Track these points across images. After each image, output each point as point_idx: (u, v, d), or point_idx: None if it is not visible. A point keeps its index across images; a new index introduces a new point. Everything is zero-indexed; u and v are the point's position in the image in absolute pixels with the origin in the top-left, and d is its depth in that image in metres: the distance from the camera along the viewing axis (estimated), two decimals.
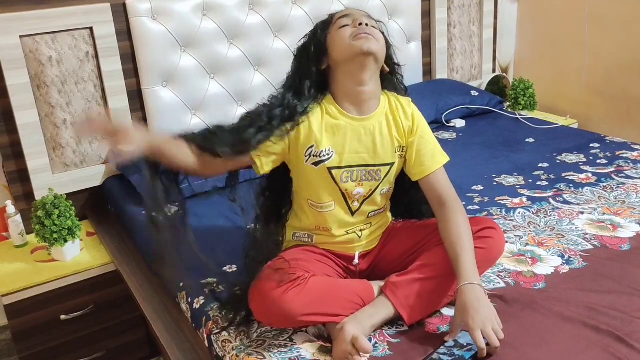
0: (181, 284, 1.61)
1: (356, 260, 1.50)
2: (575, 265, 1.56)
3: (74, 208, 1.99)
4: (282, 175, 1.52)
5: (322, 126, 1.43)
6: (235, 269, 1.65)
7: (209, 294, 1.53)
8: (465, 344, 1.24)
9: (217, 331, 1.40)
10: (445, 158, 1.50)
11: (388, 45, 1.48)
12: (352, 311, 1.33)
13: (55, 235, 1.93)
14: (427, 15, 2.98)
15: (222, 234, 1.83)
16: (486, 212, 1.88)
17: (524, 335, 1.29)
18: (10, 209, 2.07)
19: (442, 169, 1.48)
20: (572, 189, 2.02)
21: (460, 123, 2.77)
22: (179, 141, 1.40)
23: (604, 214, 1.83)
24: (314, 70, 1.44)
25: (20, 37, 2.02)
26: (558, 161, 2.27)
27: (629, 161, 2.21)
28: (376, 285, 1.40)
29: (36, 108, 2.09)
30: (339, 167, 1.43)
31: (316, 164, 1.43)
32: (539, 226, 1.78)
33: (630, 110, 2.92)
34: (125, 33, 2.21)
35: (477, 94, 2.90)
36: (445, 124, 2.76)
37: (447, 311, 1.40)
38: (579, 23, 3.02)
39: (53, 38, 2.08)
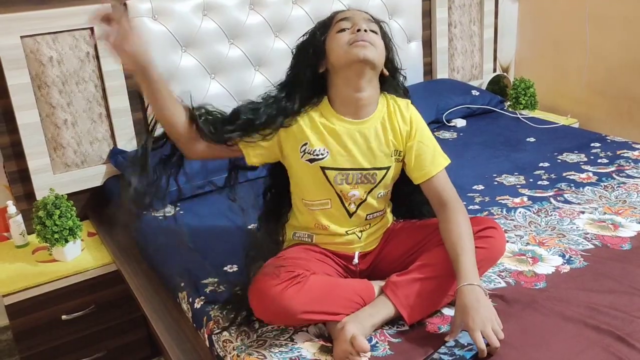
0: (182, 284, 1.62)
1: (356, 260, 1.50)
2: (576, 265, 1.56)
3: (75, 208, 1.99)
4: (283, 175, 1.53)
5: (316, 128, 1.42)
6: (236, 268, 1.65)
7: (209, 294, 1.53)
8: (465, 344, 1.24)
9: (218, 331, 1.40)
10: (446, 160, 1.49)
11: (389, 48, 1.47)
12: (352, 310, 1.33)
13: (56, 236, 1.93)
14: (427, 14, 2.98)
15: (222, 234, 1.83)
16: (487, 212, 1.88)
17: (524, 334, 1.29)
18: (11, 209, 2.07)
19: (443, 171, 1.47)
20: (573, 188, 2.02)
21: (461, 123, 2.77)
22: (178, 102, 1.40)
23: (605, 213, 1.82)
24: (310, 73, 1.43)
25: (21, 37, 2.02)
26: (559, 161, 2.27)
27: (630, 160, 2.20)
28: (377, 284, 1.40)
29: (37, 108, 2.10)
30: (332, 168, 1.42)
31: (310, 161, 1.43)
32: (540, 226, 1.78)
33: (631, 110, 2.92)
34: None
35: (477, 93, 2.90)
36: (446, 123, 2.76)
37: (448, 311, 1.40)
38: (580, 22, 3.02)
39: (54, 38, 2.09)
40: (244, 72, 2.45)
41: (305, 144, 1.42)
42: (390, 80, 1.50)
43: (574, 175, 2.12)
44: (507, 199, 1.96)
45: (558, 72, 3.22)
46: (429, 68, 3.08)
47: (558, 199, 1.94)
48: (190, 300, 1.55)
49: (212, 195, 2.03)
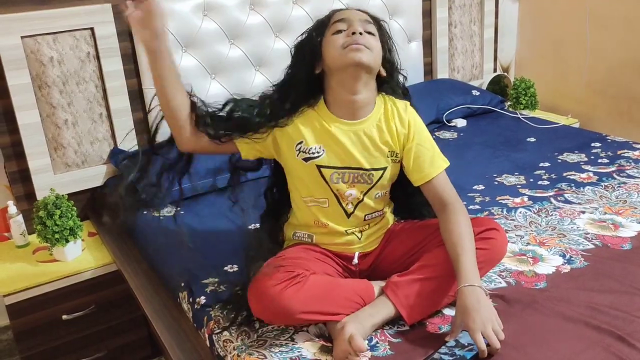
0: (182, 284, 1.62)
1: (355, 261, 1.49)
2: (577, 265, 1.56)
3: (75, 208, 2.00)
4: (283, 174, 1.53)
5: (312, 127, 1.43)
6: (237, 268, 1.65)
7: (210, 294, 1.53)
8: (466, 344, 1.24)
9: (218, 331, 1.40)
10: (445, 163, 1.48)
11: (388, 48, 1.46)
12: (352, 310, 1.33)
13: (56, 236, 1.93)
14: (427, 14, 2.98)
15: (223, 234, 1.84)
16: (487, 212, 1.88)
17: (525, 334, 1.29)
18: (12, 209, 2.07)
19: (443, 173, 1.46)
20: (574, 188, 2.02)
21: (461, 122, 2.77)
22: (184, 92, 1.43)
23: (606, 213, 1.82)
24: (306, 74, 1.43)
25: (22, 37, 2.02)
26: (559, 160, 2.27)
27: (631, 160, 2.20)
28: (377, 285, 1.40)
29: (37, 108, 2.10)
30: (328, 167, 1.42)
31: (306, 159, 1.43)
32: (540, 226, 1.78)
33: (631, 110, 2.92)
34: (126, 33, 2.22)
35: (478, 93, 2.90)
36: (446, 123, 2.76)
37: (448, 311, 1.40)
38: (580, 22, 3.02)
39: (54, 38, 2.09)
40: (244, 72, 2.45)
41: (301, 142, 1.43)
42: (388, 80, 1.49)
43: (575, 175, 2.12)
44: (508, 199, 1.96)
45: (558, 72, 3.22)
46: (429, 68, 3.08)
47: (558, 198, 1.94)
48: (191, 300, 1.55)
49: (213, 195, 2.02)
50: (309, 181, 1.45)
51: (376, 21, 1.47)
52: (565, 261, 1.58)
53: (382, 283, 1.40)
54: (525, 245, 1.67)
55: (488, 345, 1.21)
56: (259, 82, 2.47)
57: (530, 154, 2.35)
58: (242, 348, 1.33)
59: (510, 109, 2.99)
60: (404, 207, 1.63)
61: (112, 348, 2.08)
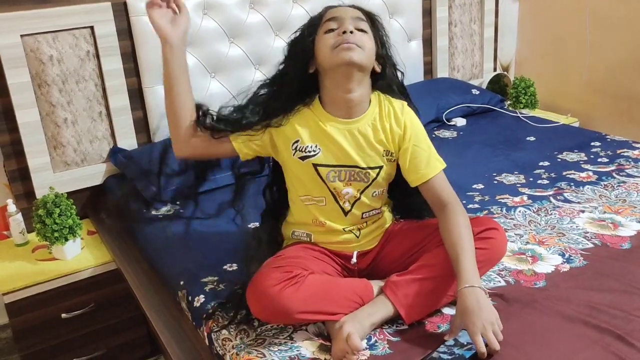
0: (181, 283, 1.62)
1: (354, 260, 1.49)
2: (576, 264, 1.56)
3: (74, 207, 2.00)
4: (282, 173, 1.53)
5: (308, 125, 1.43)
6: (236, 267, 1.65)
7: (209, 293, 1.53)
8: (465, 343, 1.24)
9: (217, 329, 1.40)
10: (441, 164, 1.47)
11: (382, 43, 1.45)
12: (351, 310, 1.33)
13: (56, 234, 1.93)
14: (428, 13, 2.98)
15: (222, 233, 1.84)
16: (487, 211, 1.88)
17: (524, 333, 1.29)
18: (11, 207, 2.07)
19: (441, 173, 1.46)
20: (573, 187, 2.02)
21: (461, 122, 2.77)
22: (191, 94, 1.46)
23: (605, 212, 1.82)
24: (300, 73, 1.43)
25: (21, 36, 2.02)
26: (559, 160, 2.27)
27: (630, 159, 2.20)
28: (376, 284, 1.40)
29: (37, 107, 2.10)
30: (324, 165, 1.42)
31: (302, 158, 1.43)
32: (540, 225, 1.78)
33: (631, 109, 2.92)
34: (126, 32, 2.22)
35: (478, 92, 2.90)
36: (446, 122, 2.76)
37: (448, 310, 1.40)
38: (580, 21, 3.02)
39: (54, 37, 2.09)
40: (244, 71, 2.45)
41: (297, 141, 1.43)
42: (383, 76, 1.48)
43: (574, 174, 2.12)
44: (507, 198, 1.96)
45: (558, 71, 3.22)
46: (429, 67, 3.08)
47: (558, 198, 1.94)
48: (190, 298, 1.55)
49: (212, 193, 2.03)
50: (305, 180, 1.45)
51: (369, 17, 1.46)
52: (565, 260, 1.58)
53: (381, 282, 1.40)
54: (525, 244, 1.67)
55: (487, 346, 1.21)
56: (258, 80, 2.45)
57: (529, 153, 2.35)
58: (241, 347, 1.33)
59: (510, 108, 2.99)
60: (403, 207, 1.62)
61: (111, 346, 2.09)
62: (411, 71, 2.93)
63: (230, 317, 1.40)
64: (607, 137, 2.46)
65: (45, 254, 2.05)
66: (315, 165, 1.42)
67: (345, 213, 1.47)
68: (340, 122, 1.43)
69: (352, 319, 1.29)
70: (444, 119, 2.76)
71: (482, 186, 2.08)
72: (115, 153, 2.25)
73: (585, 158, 2.26)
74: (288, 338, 1.34)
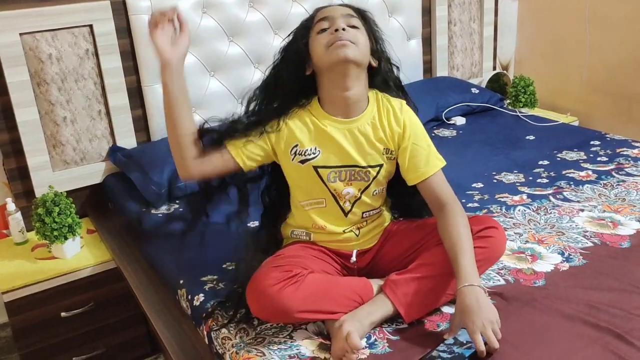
0: (181, 282, 1.62)
1: (353, 258, 1.49)
2: (575, 263, 1.56)
3: (74, 205, 1.99)
4: (280, 173, 1.52)
5: (307, 128, 1.42)
6: (235, 266, 1.64)
7: (208, 291, 1.53)
8: (464, 342, 1.24)
9: (217, 328, 1.40)
10: (441, 162, 1.47)
11: (376, 38, 1.45)
12: (351, 309, 1.33)
13: (55, 233, 1.93)
14: (427, 12, 2.98)
15: (222, 232, 1.83)
16: (486, 210, 1.88)
17: (523, 332, 1.29)
18: (11, 206, 2.07)
19: (439, 172, 1.46)
20: (572, 186, 2.02)
21: (460, 120, 2.77)
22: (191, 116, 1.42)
23: (604, 211, 1.82)
24: (296, 77, 1.43)
25: (20, 34, 2.01)
26: (558, 159, 2.27)
27: (630, 159, 2.20)
28: (375, 283, 1.40)
29: (36, 105, 2.09)
30: (325, 167, 1.42)
31: (302, 162, 1.43)
32: (539, 224, 1.78)
33: (631, 108, 2.92)
34: (125, 30, 2.21)
35: (477, 91, 2.90)
36: (446, 121, 2.76)
37: (447, 309, 1.40)
38: (580, 21, 3.02)
39: (53, 35, 2.08)
40: (243, 70, 2.45)
41: (296, 145, 1.42)
42: (380, 72, 1.48)
43: (574, 173, 2.12)
44: (507, 197, 1.96)
45: (558, 70, 3.22)
46: (428, 66, 3.08)
47: (557, 196, 1.94)
48: (190, 297, 1.55)
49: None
50: (306, 183, 1.45)
51: (359, 13, 1.45)
52: (564, 259, 1.58)
53: (381, 281, 1.40)
54: (524, 243, 1.67)
55: (486, 344, 1.21)
56: (258, 79, 2.44)
57: (529, 152, 2.35)
58: (240, 345, 1.33)
59: (510, 107, 2.99)
60: (403, 206, 1.62)
61: (110, 345, 2.09)
62: (411, 70, 2.94)
63: (230, 316, 1.41)
64: (607, 136, 2.46)
65: (45, 253, 2.05)
66: (315, 168, 1.42)
67: (346, 214, 1.47)
68: (340, 122, 1.43)
69: (351, 317, 1.30)
70: (444, 117, 2.76)
71: (482, 185, 2.08)
72: (115, 152, 2.25)
73: (585, 157, 2.26)
74: (288, 337, 1.34)
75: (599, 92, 3.03)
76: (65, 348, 2.01)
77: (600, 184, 2.01)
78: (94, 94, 2.21)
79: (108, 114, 2.25)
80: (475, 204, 1.92)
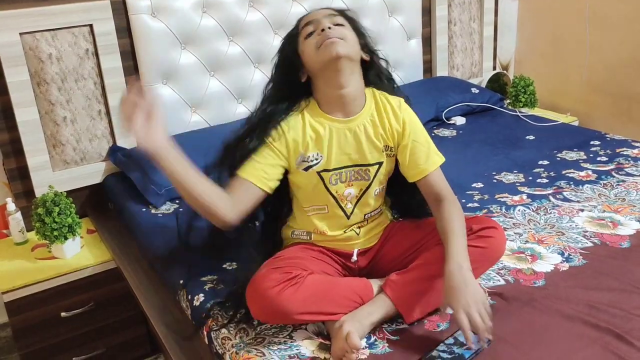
0: (181, 282, 1.62)
1: (354, 258, 1.50)
2: (575, 263, 1.56)
3: (74, 205, 1.99)
4: (283, 177, 1.52)
5: (306, 133, 1.42)
6: (235, 266, 1.65)
7: (208, 292, 1.53)
8: (465, 342, 1.24)
9: (216, 328, 1.40)
10: (440, 159, 1.48)
11: (361, 34, 1.46)
12: (351, 309, 1.33)
13: (55, 233, 1.93)
14: (427, 12, 2.97)
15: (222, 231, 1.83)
16: (486, 210, 1.88)
17: (523, 332, 1.29)
18: (11, 206, 2.07)
19: (438, 169, 1.47)
20: (572, 186, 2.02)
21: (460, 120, 2.76)
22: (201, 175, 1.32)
23: (604, 211, 1.82)
24: (293, 86, 1.44)
25: (20, 34, 2.01)
26: (558, 158, 2.27)
27: (630, 159, 2.20)
28: (375, 283, 1.40)
29: (36, 105, 2.09)
30: (327, 170, 1.43)
31: (306, 169, 1.43)
32: (539, 224, 1.78)
33: (630, 108, 2.92)
34: (125, 30, 2.21)
35: (477, 91, 2.90)
36: (446, 121, 2.76)
37: (448, 309, 1.39)
38: (580, 20, 3.02)
39: (53, 35, 2.08)
40: (243, 70, 2.45)
41: (299, 153, 1.42)
42: (373, 66, 1.49)
43: (574, 173, 2.12)
44: (507, 197, 1.96)
45: (558, 70, 3.22)
46: (428, 66, 3.08)
47: (557, 196, 1.94)
48: (190, 297, 1.55)
49: None
50: (309, 189, 1.45)
51: (341, 12, 1.47)
52: (564, 259, 1.58)
53: (381, 281, 1.40)
54: (524, 243, 1.67)
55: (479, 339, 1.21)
56: (258, 79, 2.47)
57: (529, 152, 2.35)
58: (240, 345, 1.33)
59: (510, 107, 2.98)
60: (402, 206, 1.63)
61: (110, 345, 2.09)
62: (410, 70, 2.94)
63: (230, 316, 1.41)
64: (607, 136, 2.46)
65: (45, 253, 2.05)
66: (319, 173, 1.43)
67: (348, 216, 1.47)
68: (340, 121, 1.43)
69: (351, 318, 1.30)
70: (444, 117, 2.76)
71: (482, 185, 2.08)
72: (115, 152, 2.25)
73: (585, 157, 2.26)
74: (288, 337, 1.34)
75: (599, 92, 3.03)
76: (65, 348, 2.01)
77: (600, 184, 2.01)
78: (94, 93, 2.21)
79: (108, 113, 2.25)
80: (475, 204, 1.92)
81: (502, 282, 1.49)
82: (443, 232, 1.36)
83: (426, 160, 1.46)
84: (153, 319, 1.66)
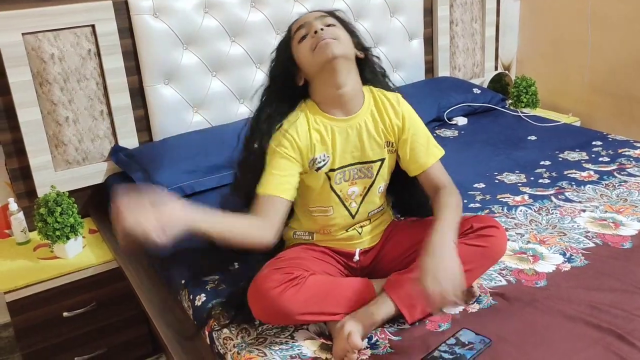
0: (183, 282, 1.62)
1: (356, 257, 1.50)
2: (577, 263, 1.56)
3: (76, 205, 2.00)
4: None
5: (312, 136, 1.42)
6: (237, 266, 1.65)
7: (210, 292, 1.53)
8: (466, 342, 1.24)
9: (218, 328, 1.40)
10: (440, 151, 1.51)
11: (352, 32, 1.47)
12: (352, 309, 1.33)
13: (57, 233, 1.93)
14: (429, 12, 2.98)
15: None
16: (488, 210, 1.88)
17: (525, 333, 1.29)
18: (13, 206, 2.08)
19: (437, 161, 1.49)
20: (574, 186, 2.01)
21: (462, 121, 2.76)
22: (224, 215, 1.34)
23: (606, 211, 1.82)
24: (291, 93, 1.45)
25: (23, 34, 2.02)
26: (560, 159, 2.27)
27: (631, 159, 2.20)
28: (377, 283, 1.40)
29: (38, 105, 2.10)
30: (333, 170, 1.44)
31: (317, 169, 1.44)
32: (541, 224, 1.78)
33: (632, 109, 2.92)
34: (127, 31, 2.22)
35: (479, 91, 2.90)
36: (447, 121, 2.75)
37: (449, 309, 1.39)
38: (582, 21, 3.02)
39: (55, 35, 2.09)
40: (245, 70, 2.45)
41: (311, 157, 1.43)
42: (368, 63, 1.50)
43: (575, 173, 2.12)
44: (508, 197, 1.96)
45: (560, 70, 3.21)
46: (430, 66, 3.08)
47: (559, 197, 1.94)
48: (191, 297, 1.55)
49: (214, 192, 2.03)
50: (317, 190, 1.45)
51: (331, 13, 1.48)
52: (566, 260, 1.58)
53: (382, 282, 1.40)
54: (526, 243, 1.67)
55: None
56: (260, 79, 2.45)
57: (531, 152, 2.35)
58: (242, 345, 1.33)
59: (511, 107, 2.98)
60: (402, 204, 1.63)
61: (112, 345, 2.09)
62: (412, 70, 2.94)
63: (232, 316, 1.41)
64: (609, 136, 2.46)
65: (47, 253, 2.05)
66: (326, 173, 1.44)
67: (353, 215, 1.48)
68: (341, 120, 1.44)
69: (353, 318, 1.30)
70: (445, 118, 2.75)
71: (483, 185, 2.08)
72: (117, 152, 2.25)
73: (587, 157, 2.26)
74: (289, 337, 1.34)
75: (601, 92, 3.03)
76: (67, 348, 2.01)
77: (602, 185, 2.01)
78: (96, 94, 2.21)
79: (110, 114, 2.25)
80: (477, 204, 1.92)
81: (504, 282, 1.49)
82: (436, 212, 1.37)
83: (426, 153, 1.48)
84: (155, 318, 1.66)
